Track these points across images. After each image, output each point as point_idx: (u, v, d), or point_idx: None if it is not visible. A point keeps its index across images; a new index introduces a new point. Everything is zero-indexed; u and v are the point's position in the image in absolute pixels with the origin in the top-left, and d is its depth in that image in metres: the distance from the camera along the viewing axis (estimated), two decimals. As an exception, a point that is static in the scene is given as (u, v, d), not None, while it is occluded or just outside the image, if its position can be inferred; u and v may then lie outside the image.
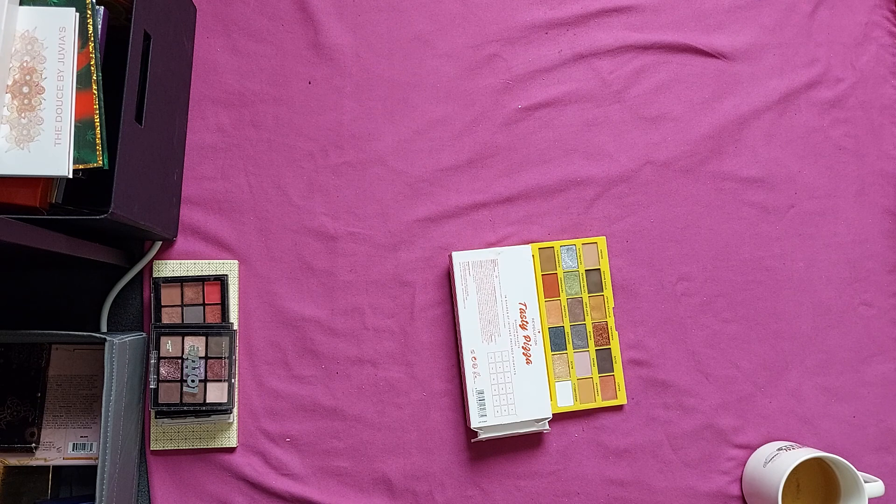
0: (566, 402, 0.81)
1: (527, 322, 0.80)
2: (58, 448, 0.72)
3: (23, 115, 0.60)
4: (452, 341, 0.82)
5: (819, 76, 0.91)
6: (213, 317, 0.76)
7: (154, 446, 0.76)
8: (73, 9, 0.61)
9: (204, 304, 0.76)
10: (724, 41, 0.90)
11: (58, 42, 0.61)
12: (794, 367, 0.86)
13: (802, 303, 0.88)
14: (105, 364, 0.66)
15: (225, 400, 0.73)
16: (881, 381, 0.88)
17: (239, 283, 0.80)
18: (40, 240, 0.55)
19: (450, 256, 0.81)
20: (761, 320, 0.86)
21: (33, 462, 0.71)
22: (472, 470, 0.80)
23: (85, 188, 0.75)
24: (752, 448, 0.84)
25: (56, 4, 0.62)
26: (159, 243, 0.79)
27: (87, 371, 0.74)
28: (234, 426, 0.77)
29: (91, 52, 0.62)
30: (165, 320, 0.76)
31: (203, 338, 0.74)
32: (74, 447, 0.72)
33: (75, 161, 0.61)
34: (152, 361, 0.73)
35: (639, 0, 0.90)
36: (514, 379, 0.78)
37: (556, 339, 0.82)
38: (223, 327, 0.75)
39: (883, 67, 0.93)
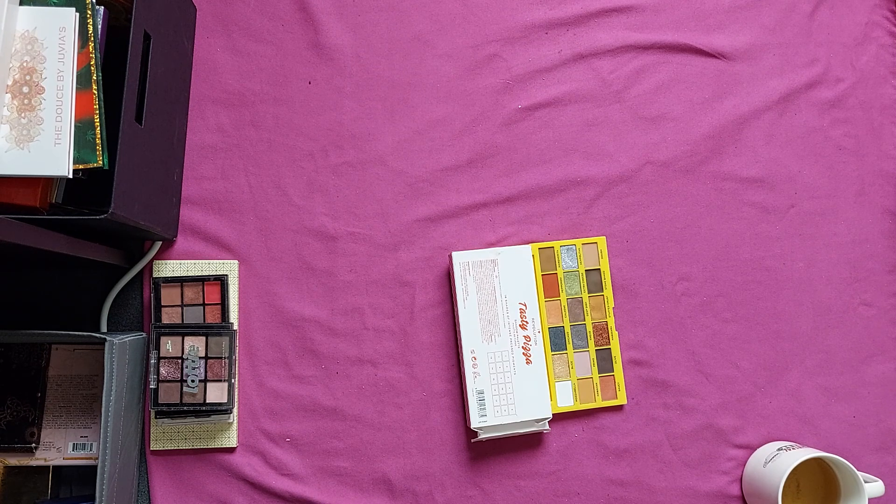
0: (566, 402, 0.81)
1: (527, 322, 0.80)
2: (58, 448, 0.72)
3: (23, 115, 0.60)
4: (452, 341, 0.82)
5: (819, 76, 0.91)
6: (213, 317, 0.76)
7: (154, 446, 0.76)
8: (73, 9, 0.61)
9: (204, 304, 0.76)
10: (724, 41, 0.90)
11: (58, 42, 0.61)
12: (794, 367, 0.86)
13: (802, 303, 0.88)
14: (105, 364, 0.66)
15: (225, 400, 0.73)
16: (881, 381, 0.88)
17: (239, 283, 0.80)
18: (40, 240, 0.55)
19: (450, 256, 0.81)
20: (761, 320, 0.86)
21: (33, 462, 0.71)
22: (472, 470, 0.80)
23: (85, 188, 0.75)
24: (752, 448, 0.84)
25: (56, 4, 0.62)
26: (159, 243, 0.79)
27: (87, 371, 0.74)
28: (234, 426, 0.77)
29: (91, 52, 0.62)
30: (165, 320, 0.76)
31: (203, 338, 0.74)
32: (74, 447, 0.72)
33: (75, 161, 0.61)
34: (152, 361, 0.73)
35: (639, 0, 0.90)
36: (514, 379, 0.78)
37: (556, 339, 0.82)
38: (223, 327, 0.75)
39: (883, 67, 0.93)
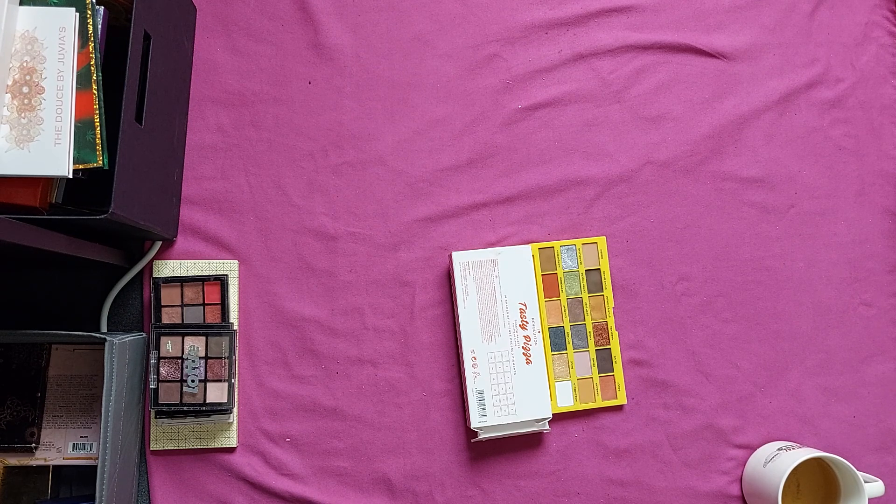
0: (566, 402, 0.81)
1: (527, 322, 0.80)
2: (58, 448, 0.72)
3: (23, 115, 0.60)
4: (452, 341, 0.82)
5: (819, 76, 0.91)
6: (213, 317, 0.76)
7: (154, 446, 0.76)
8: (73, 9, 0.61)
9: (204, 304, 0.76)
10: (724, 41, 0.90)
11: (58, 42, 0.61)
12: (794, 367, 0.86)
13: (802, 303, 0.88)
14: (105, 364, 0.66)
15: (225, 400, 0.73)
16: (881, 381, 0.88)
17: (239, 283, 0.80)
18: (40, 240, 0.55)
19: (450, 256, 0.81)
20: (761, 320, 0.86)
21: (33, 462, 0.71)
22: (472, 470, 0.80)
23: (85, 188, 0.75)
24: (752, 448, 0.84)
25: (56, 4, 0.62)
26: (159, 243, 0.79)
27: (87, 371, 0.74)
28: (234, 426, 0.77)
29: (91, 52, 0.62)
30: (165, 320, 0.76)
31: (203, 338, 0.74)
32: (74, 447, 0.72)
33: (75, 161, 0.61)
34: (152, 361, 0.73)
35: (639, 0, 0.90)
36: (514, 379, 0.78)
37: (556, 339, 0.82)
38: (223, 327, 0.75)
39: (883, 67, 0.93)
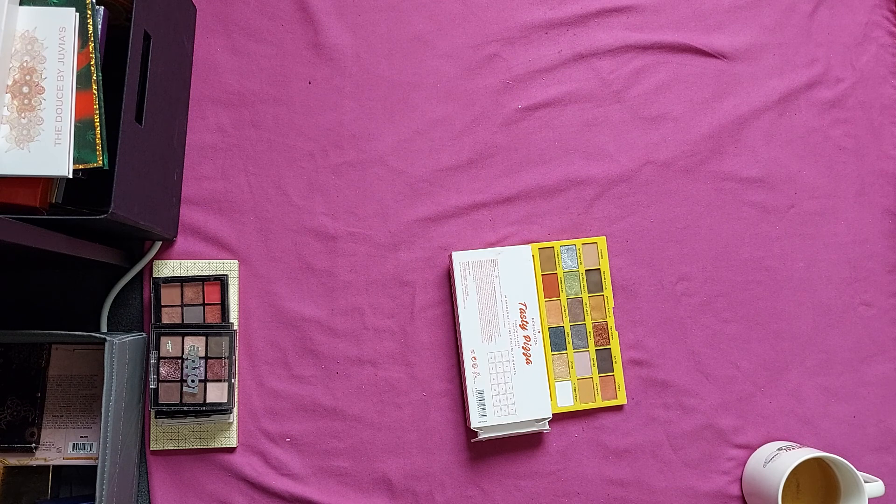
0: (566, 402, 0.81)
1: (527, 322, 0.80)
2: (58, 448, 0.72)
3: (23, 115, 0.60)
4: (452, 341, 0.82)
5: (819, 76, 0.91)
6: (213, 317, 0.76)
7: (154, 446, 0.76)
8: (73, 9, 0.61)
9: (204, 304, 0.76)
10: (724, 41, 0.90)
11: (58, 42, 0.61)
12: (794, 367, 0.86)
13: (802, 303, 0.87)
14: (105, 364, 0.66)
15: (225, 400, 0.73)
16: (881, 381, 0.88)
17: (239, 283, 0.80)
18: (40, 240, 0.55)
19: (450, 256, 0.81)
20: (761, 320, 0.86)
21: (33, 462, 0.71)
22: (472, 470, 0.80)
23: (85, 188, 0.75)
24: (752, 448, 0.84)
25: (56, 4, 0.62)
26: (159, 243, 0.79)
27: (87, 371, 0.74)
28: (234, 426, 0.77)
29: (91, 52, 0.62)
30: (165, 320, 0.76)
31: (203, 338, 0.74)
32: (74, 447, 0.72)
33: (75, 161, 0.61)
34: (152, 361, 0.73)
35: (639, 0, 0.90)
36: (514, 379, 0.78)
37: (556, 339, 0.82)
38: (223, 327, 0.75)
39: (883, 67, 0.93)
